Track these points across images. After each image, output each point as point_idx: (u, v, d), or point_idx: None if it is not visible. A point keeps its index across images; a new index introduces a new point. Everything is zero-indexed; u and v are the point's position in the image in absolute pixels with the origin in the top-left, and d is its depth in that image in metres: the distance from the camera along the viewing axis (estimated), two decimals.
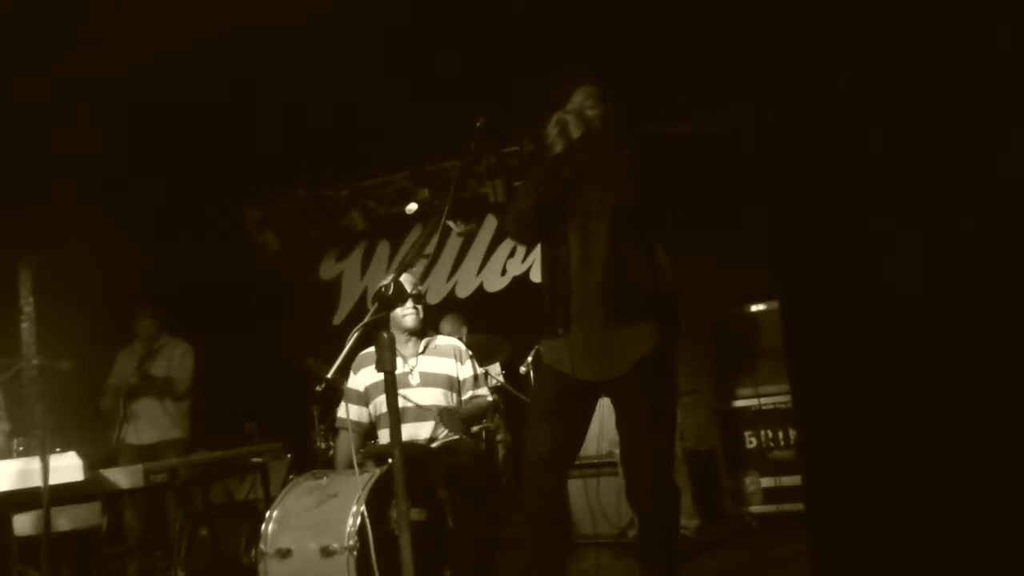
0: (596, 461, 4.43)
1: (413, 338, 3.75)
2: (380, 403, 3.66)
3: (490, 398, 3.89)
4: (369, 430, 3.80)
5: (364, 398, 3.75)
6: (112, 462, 4.86)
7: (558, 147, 2.64)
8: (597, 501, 4.47)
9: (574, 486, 4.51)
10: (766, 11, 2.60)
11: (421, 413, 3.61)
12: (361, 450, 3.74)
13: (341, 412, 3.77)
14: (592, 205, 2.66)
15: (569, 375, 2.64)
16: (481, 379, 3.85)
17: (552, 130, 2.64)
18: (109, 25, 4.78)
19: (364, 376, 3.73)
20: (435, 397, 3.67)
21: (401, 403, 3.49)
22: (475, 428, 4.04)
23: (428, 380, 3.70)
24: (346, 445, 3.67)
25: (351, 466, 3.37)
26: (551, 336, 2.70)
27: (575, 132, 2.61)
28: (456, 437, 3.68)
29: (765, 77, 2.61)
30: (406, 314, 3.65)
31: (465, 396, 3.77)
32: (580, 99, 2.73)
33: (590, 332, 2.60)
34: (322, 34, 4.92)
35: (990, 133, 2.19)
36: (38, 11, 4.57)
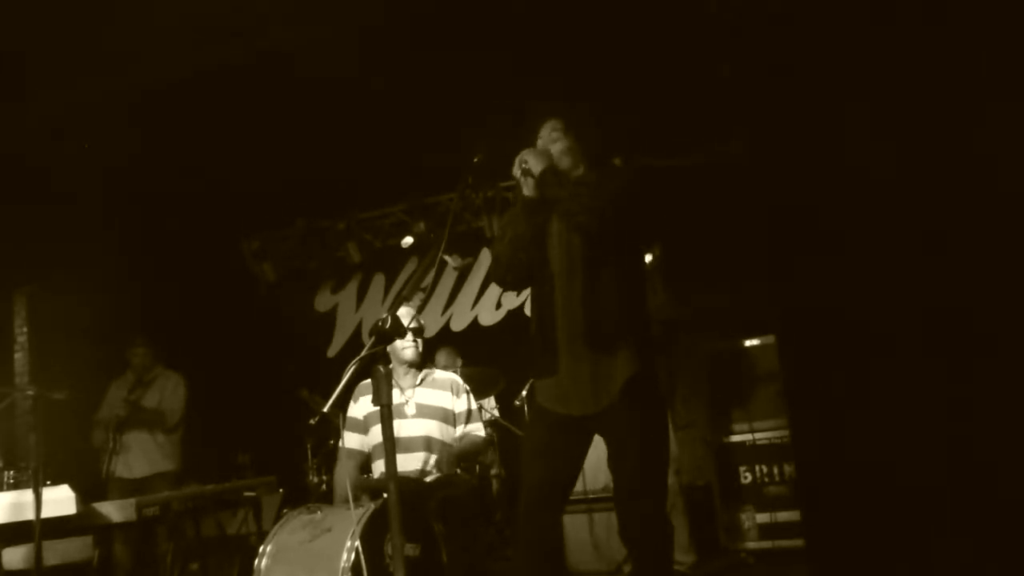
0: (592, 496, 4.40)
1: (412, 370, 3.78)
2: (377, 432, 3.67)
3: (483, 434, 3.89)
4: (367, 460, 3.81)
5: (363, 426, 3.78)
6: (101, 495, 4.81)
7: (527, 188, 2.67)
8: (593, 536, 4.44)
9: (570, 521, 4.47)
10: (762, 42, 2.65)
11: (412, 444, 3.63)
12: (356, 484, 3.73)
13: (342, 441, 3.79)
14: (566, 238, 2.67)
15: (562, 413, 2.64)
16: (476, 415, 3.86)
17: (516, 171, 2.67)
18: (106, 55, 4.83)
19: (364, 405, 3.76)
20: (429, 429, 3.69)
21: (395, 431, 3.50)
22: (466, 464, 4.03)
23: (424, 412, 3.72)
24: (344, 474, 3.69)
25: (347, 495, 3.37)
26: (542, 376, 2.70)
27: (537, 168, 2.64)
28: (450, 471, 3.68)
29: (760, 109, 2.65)
30: (405, 347, 3.69)
31: (458, 431, 3.77)
32: (545, 133, 2.77)
33: (576, 366, 2.60)
34: (319, 65, 4.97)
35: (988, 167, 2.23)
36: (31, 37, 4.61)
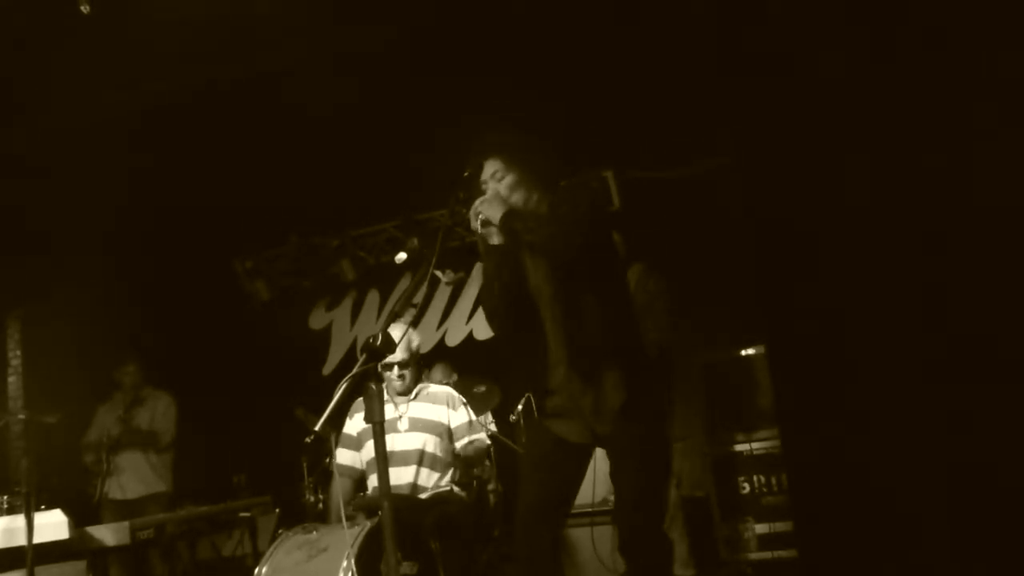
0: (591, 509, 4.37)
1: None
2: (370, 448, 3.66)
3: (488, 441, 3.89)
4: (361, 476, 3.81)
5: (357, 443, 3.79)
6: (95, 518, 4.78)
7: (493, 237, 2.62)
8: (596, 549, 4.41)
9: (573, 534, 4.45)
10: (747, 61, 2.66)
11: (405, 457, 3.64)
12: (351, 502, 3.72)
13: (337, 458, 3.78)
14: (544, 273, 2.65)
15: (562, 437, 2.64)
16: (476, 425, 3.86)
17: (476, 226, 2.61)
18: (97, 77, 4.83)
19: (358, 421, 3.77)
20: (422, 442, 3.69)
21: (388, 446, 3.50)
22: (464, 477, 4.03)
23: (417, 425, 3.72)
24: (339, 491, 3.69)
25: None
26: (543, 402, 2.70)
27: (496, 216, 2.57)
28: (445, 488, 3.68)
29: (746, 122, 2.66)
30: (392, 378, 3.69)
31: (463, 442, 3.77)
32: (487, 174, 2.69)
33: (571, 396, 2.60)
34: (311, 83, 4.99)
35: (982, 177, 2.23)
36: (25, 59, 4.62)
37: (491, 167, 2.69)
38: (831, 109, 2.42)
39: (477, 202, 2.61)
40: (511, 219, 2.56)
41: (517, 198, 2.66)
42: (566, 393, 2.61)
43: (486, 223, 2.59)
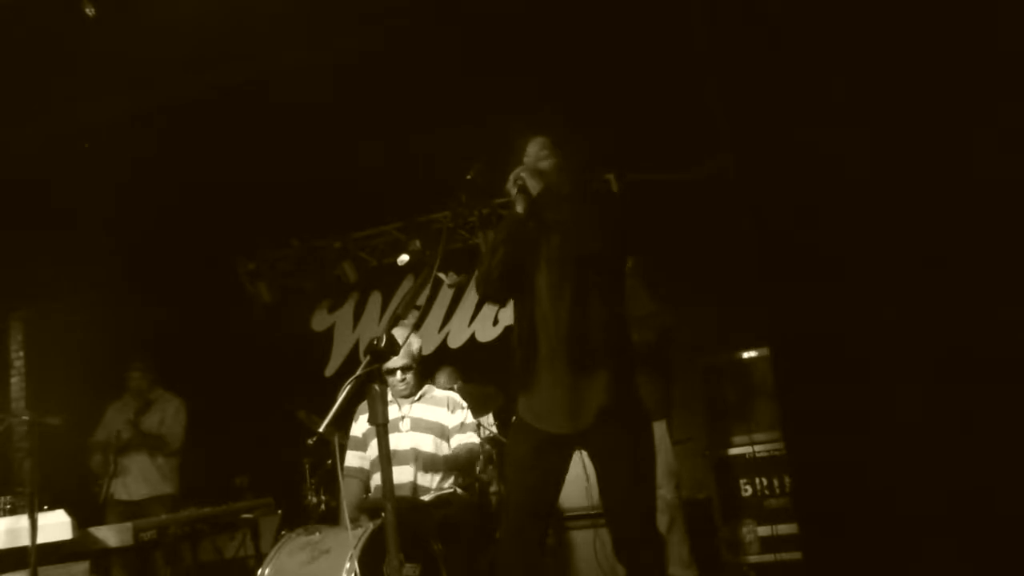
0: (597, 512, 4.37)
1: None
2: (375, 448, 3.68)
3: (476, 441, 3.88)
4: (368, 477, 3.82)
5: (363, 444, 3.81)
6: (99, 520, 4.78)
7: (520, 205, 2.67)
8: (597, 552, 4.41)
9: (575, 537, 4.45)
10: (745, 61, 2.66)
11: (403, 457, 3.66)
12: (356, 504, 3.73)
13: (346, 460, 3.81)
14: (557, 257, 2.66)
15: (542, 430, 2.64)
16: (469, 426, 3.86)
17: (511, 188, 2.67)
18: (99, 78, 4.85)
19: (363, 423, 3.81)
20: (418, 441, 3.71)
21: (391, 446, 3.51)
22: (466, 479, 4.02)
23: (419, 426, 3.74)
24: (351, 493, 3.72)
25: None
26: (522, 391, 2.70)
27: (534, 188, 2.63)
28: (449, 490, 3.68)
29: (746, 125, 2.66)
30: (394, 382, 3.70)
31: (453, 443, 3.77)
32: (533, 151, 2.76)
33: (555, 385, 2.60)
34: (314, 86, 5.00)
35: (987, 180, 2.23)
36: (28, 60, 4.63)
37: (539, 144, 2.77)
38: (832, 108, 2.43)
39: (520, 168, 2.68)
40: (547, 196, 2.62)
41: (553, 181, 2.70)
42: (549, 385, 2.60)
43: (523, 189, 2.65)
